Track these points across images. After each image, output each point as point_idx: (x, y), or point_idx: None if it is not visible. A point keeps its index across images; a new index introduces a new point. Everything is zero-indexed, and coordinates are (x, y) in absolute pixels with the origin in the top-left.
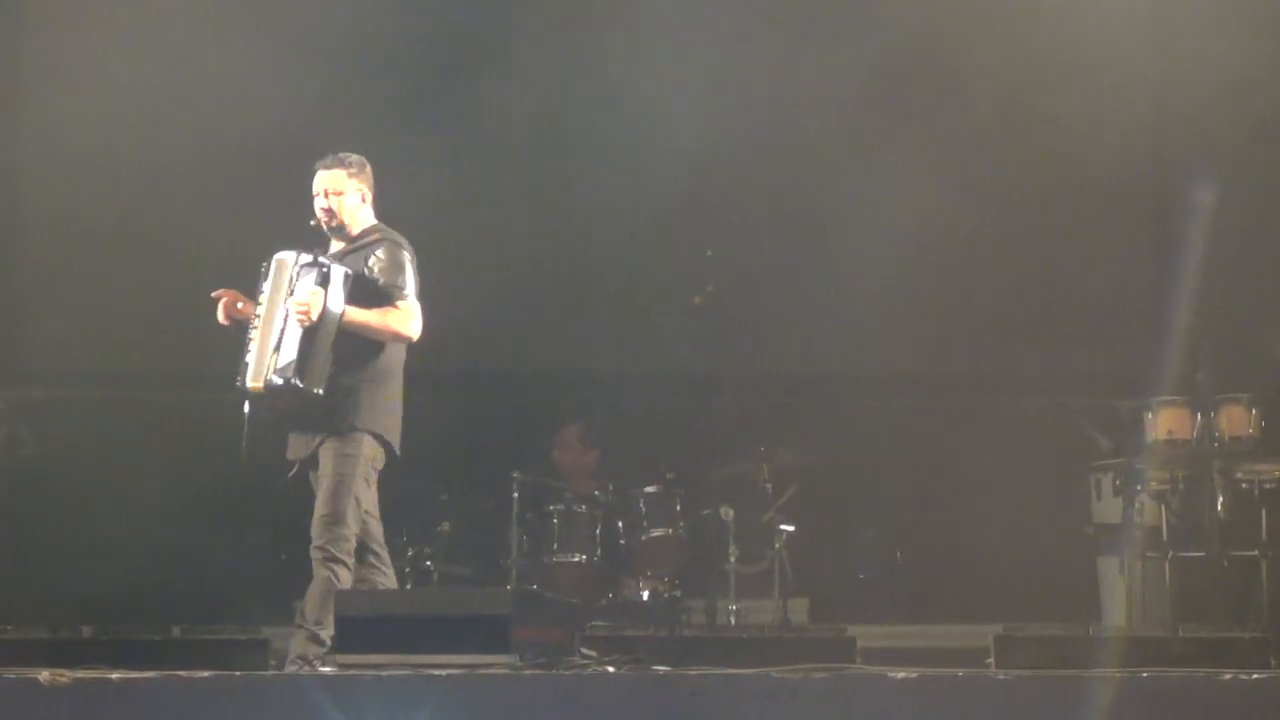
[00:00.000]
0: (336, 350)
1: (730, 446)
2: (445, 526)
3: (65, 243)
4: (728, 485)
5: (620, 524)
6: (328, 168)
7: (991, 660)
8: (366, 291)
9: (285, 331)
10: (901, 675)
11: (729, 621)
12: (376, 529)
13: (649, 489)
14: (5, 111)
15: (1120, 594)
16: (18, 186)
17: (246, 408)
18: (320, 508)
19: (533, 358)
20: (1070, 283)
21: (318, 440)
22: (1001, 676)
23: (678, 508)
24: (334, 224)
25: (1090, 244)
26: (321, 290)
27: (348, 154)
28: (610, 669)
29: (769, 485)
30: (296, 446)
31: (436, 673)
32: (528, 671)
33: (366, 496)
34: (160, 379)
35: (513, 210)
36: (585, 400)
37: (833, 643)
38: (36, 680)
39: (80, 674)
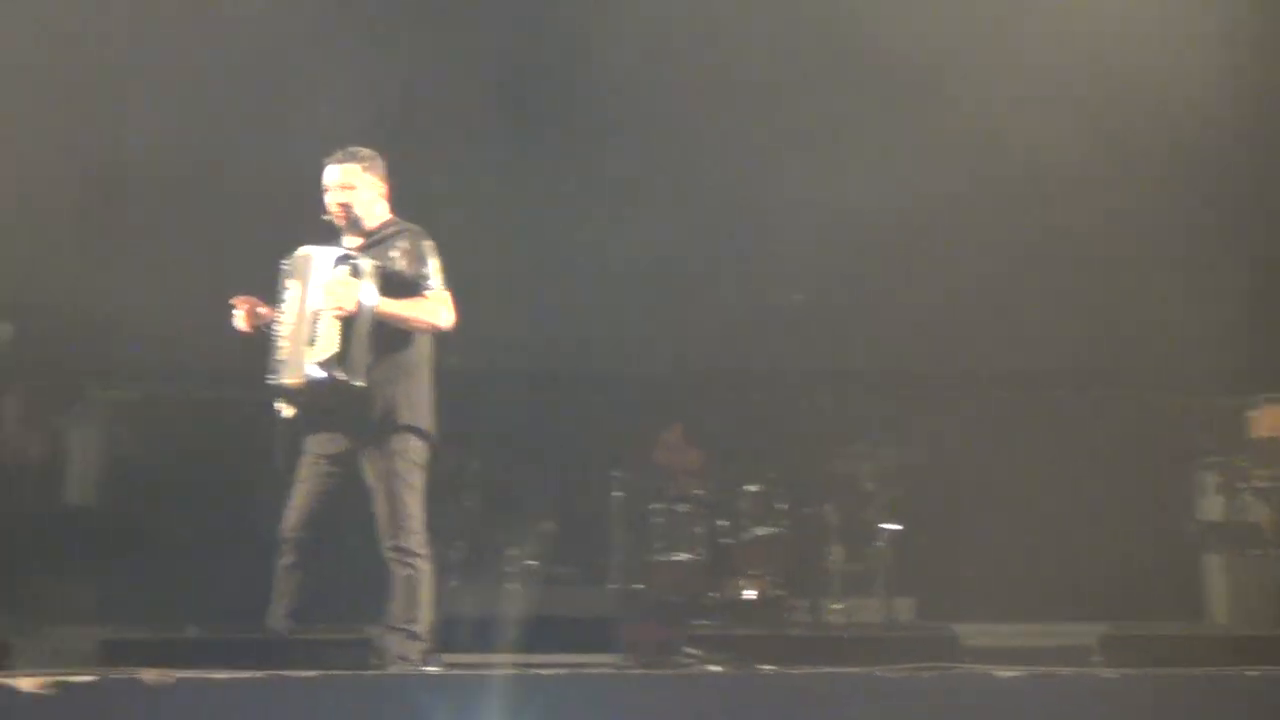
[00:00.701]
0: (372, 343)
1: (834, 444)
2: (550, 526)
3: (162, 242)
4: (831, 483)
5: (724, 523)
6: (339, 162)
7: (1098, 659)
8: (393, 284)
9: (320, 324)
10: (1007, 674)
11: (833, 620)
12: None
13: (753, 487)
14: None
15: (1224, 591)
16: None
17: (279, 408)
18: (382, 507)
19: (636, 357)
20: (1175, 279)
21: (357, 439)
22: (1108, 675)
23: (781, 506)
24: (349, 219)
25: (1196, 240)
26: (355, 281)
27: (359, 149)
28: (715, 668)
29: (873, 483)
30: (327, 442)
31: (541, 672)
32: (632, 671)
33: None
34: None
35: (616, 212)
36: (688, 399)
37: (937, 641)
38: (141, 680)
39: (185, 674)
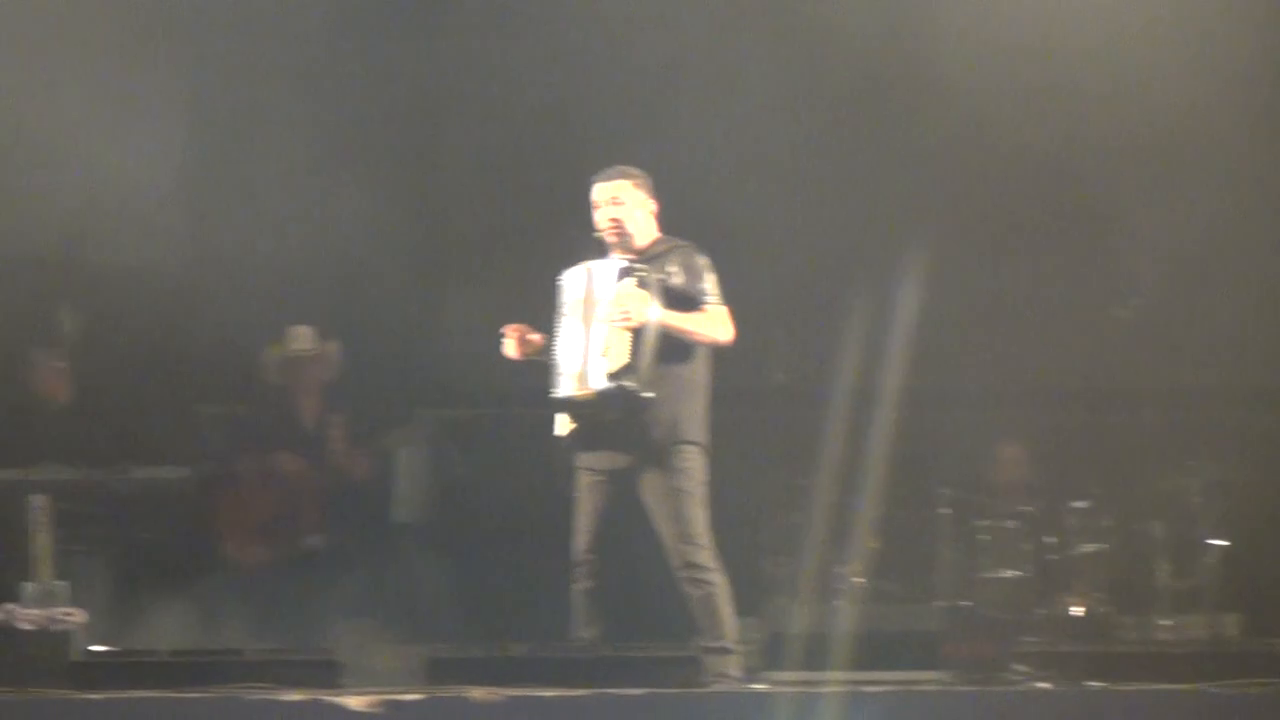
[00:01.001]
0: (657, 356)
1: (1161, 461)
2: (875, 543)
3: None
4: (1159, 499)
5: (1051, 539)
6: (609, 180)
7: None
8: (672, 299)
9: (609, 336)
10: None
11: (1161, 637)
12: None
13: (1080, 504)
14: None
15: None
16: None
17: (561, 425)
18: (669, 526)
19: (962, 374)
20: None
21: (638, 454)
22: None
23: (1109, 523)
24: (621, 235)
25: None
26: (643, 292)
27: (628, 167)
28: (1042, 685)
29: (1200, 499)
30: (607, 458)
31: (869, 689)
32: (960, 688)
33: None
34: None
35: (944, 225)
36: (1015, 416)
37: (1267, 657)
38: (469, 698)
39: (514, 691)
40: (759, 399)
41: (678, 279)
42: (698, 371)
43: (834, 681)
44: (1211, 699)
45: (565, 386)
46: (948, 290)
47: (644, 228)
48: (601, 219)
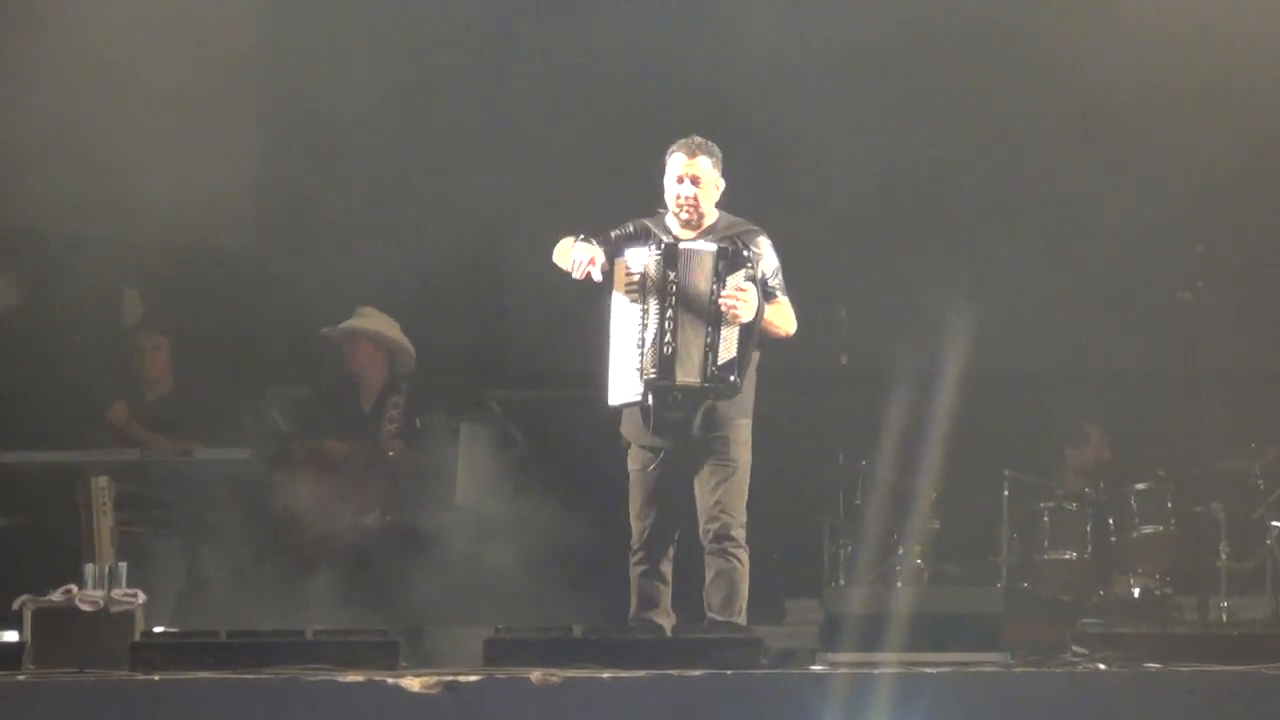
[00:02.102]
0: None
1: (1221, 442)
2: (936, 525)
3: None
4: (1219, 481)
5: (1111, 521)
6: (692, 154)
7: None
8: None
9: (720, 327)
10: None
11: (1220, 618)
12: None
13: (1140, 486)
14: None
15: None
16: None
17: (649, 398)
18: (724, 498)
19: (1024, 356)
20: None
21: (694, 436)
22: None
23: (1169, 504)
24: (693, 214)
25: None
26: (753, 287)
27: (707, 140)
28: (1102, 666)
29: (1261, 481)
30: (660, 440)
31: (928, 670)
32: (1019, 669)
33: None
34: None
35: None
36: (1076, 398)
37: None
38: (528, 679)
39: (572, 673)
40: None
41: (759, 266)
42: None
43: (893, 663)
44: (1269, 680)
45: (671, 372)
46: (1013, 274)
47: (712, 208)
48: (679, 194)
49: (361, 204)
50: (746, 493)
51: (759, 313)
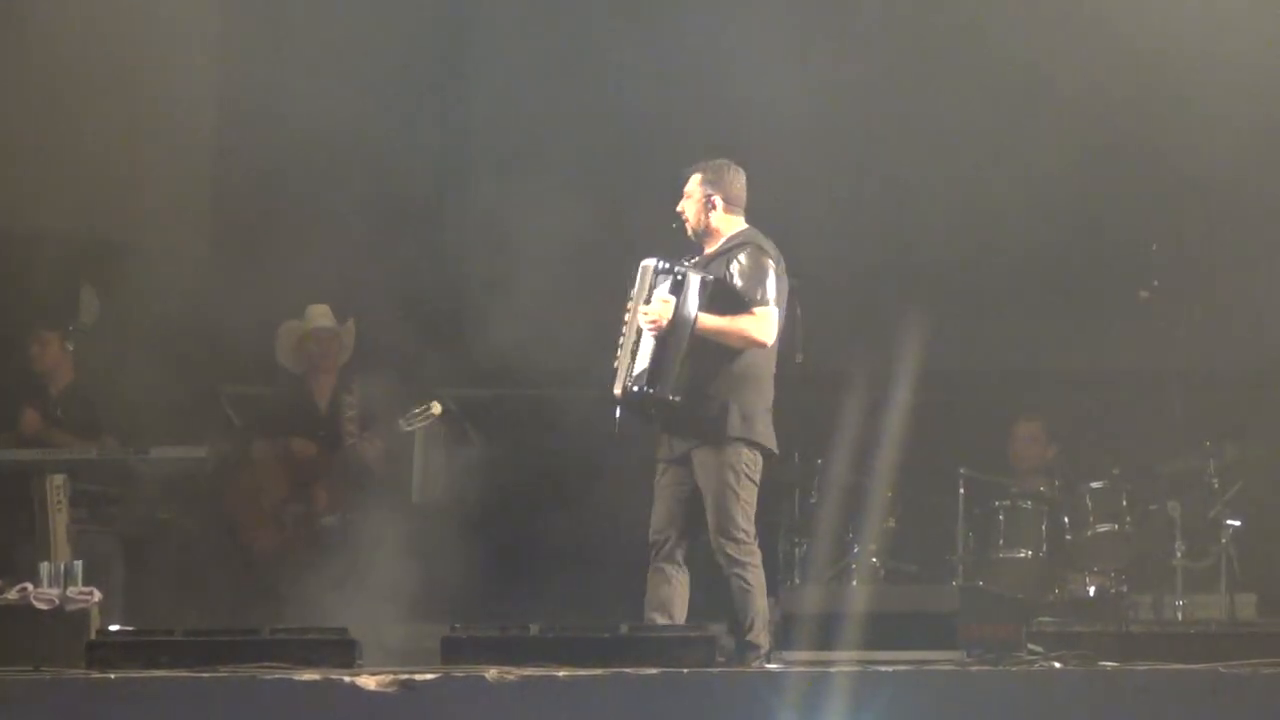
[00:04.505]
0: (699, 358)
1: (1177, 441)
2: (891, 523)
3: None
4: (1174, 480)
5: (1066, 519)
6: (690, 171)
7: None
8: (726, 298)
9: (641, 339)
10: None
11: (1175, 617)
12: None
13: (1095, 484)
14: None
15: None
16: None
17: (617, 413)
18: (711, 518)
19: (979, 355)
20: None
21: (689, 447)
22: None
23: (1124, 503)
24: (691, 228)
25: None
26: (674, 298)
27: (714, 160)
28: (1057, 665)
29: (1216, 480)
30: (666, 448)
31: (883, 669)
32: (974, 667)
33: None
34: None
35: (958, 208)
36: (1031, 397)
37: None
38: (484, 678)
39: (528, 671)
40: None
41: (735, 276)
42: (757, 367)
43: (848, 661)
44: (1223, 679)
45: (613, 381)
46: (970, 270)
47: (711, 221)
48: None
49: (318, 203)
50: (740, 510)
51: (680, 325)
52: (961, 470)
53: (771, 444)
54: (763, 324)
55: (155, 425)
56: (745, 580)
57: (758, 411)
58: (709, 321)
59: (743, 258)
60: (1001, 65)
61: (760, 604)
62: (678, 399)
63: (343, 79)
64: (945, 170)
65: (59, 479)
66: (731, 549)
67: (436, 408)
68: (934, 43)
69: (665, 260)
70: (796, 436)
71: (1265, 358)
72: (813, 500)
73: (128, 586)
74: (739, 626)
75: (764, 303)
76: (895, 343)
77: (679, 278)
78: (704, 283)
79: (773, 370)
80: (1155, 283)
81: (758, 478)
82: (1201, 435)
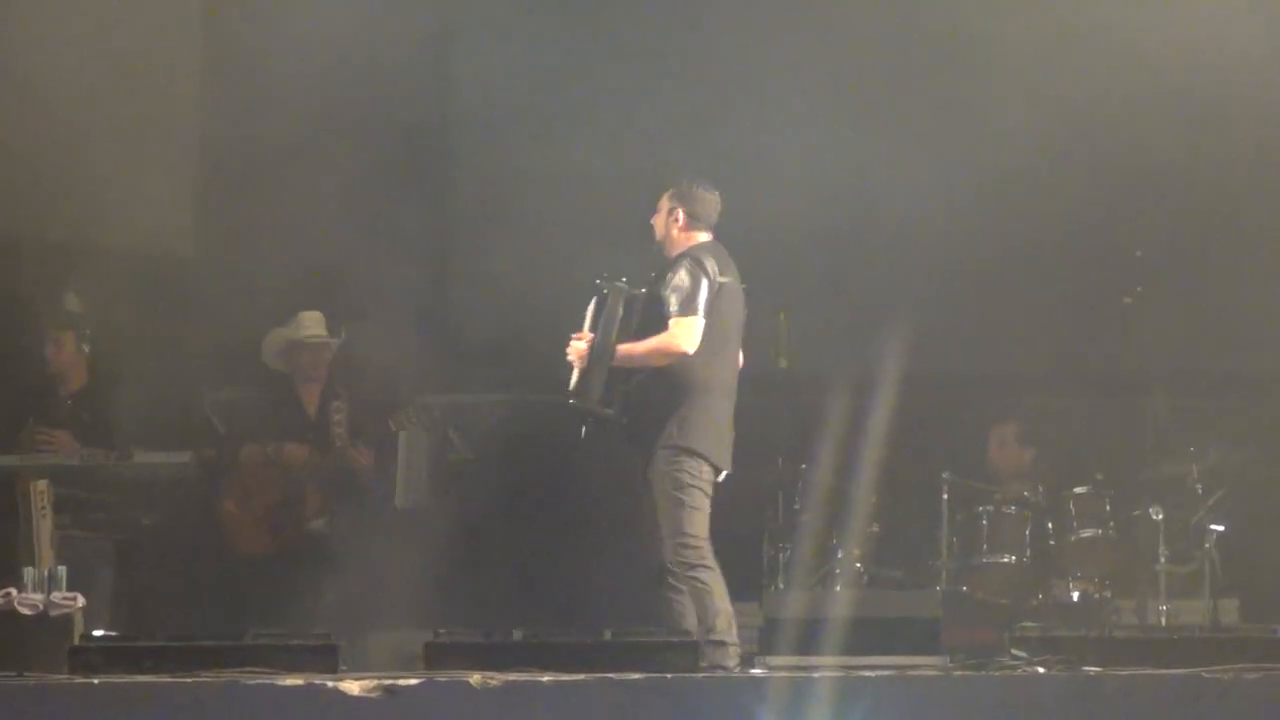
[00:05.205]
0: (639, 371)
1: (1160, 446)
2: (875, 528)
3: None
4: (1158, 485)
5: (1050, 524)
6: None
7: None
8: (651, 313)
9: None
10: None
11: (1159, 622)
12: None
13: (1079, 489)
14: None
15: None
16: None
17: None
18: (663, 527)
19: (962, 359)
20: None
21: (645, 459)
22: None
23: (1107, 508)
24: (657, 241)
25: None
26: (599, 315)
27: (686, 179)
28: (1040, 670)
29: (1199, 485)
30: (622, 460)
31: (867, 674)
32: (958, 673)
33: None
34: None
35: (941, 213)
36: (1015, 402)
37: (1264, 643)
38: (468, 683)
39: (512, 676)
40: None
41: (666, 290)
42: (699, 378)
43: (832, 667)
44: (1206, 684)
45: None
46: (949, 274)
47: (672, 237)
48: None
49: (303, 208)
50: (688, 517)
51: (601, 341)
52: (945, 475)
53: (715, 457)
54: (682, 334)
55: (139, 430)
56: (700, 580)
57: (698, 421)
58: (626, 348)
59: (679, 270)
60: (986, 70)
61: (720, 603)
62: (610, 411)
63: (329, 84)
64: (927, 174)
65: (42, 484)
66: (684, 555)
67: (427, 408)
68: (918, 44)
69: (601, 278)
70: (780, 441)
71: (1249, 362)
72: (796, 505)
73: (113, 592)
74: (703, 626)
75: (685, 313)
76: (879, 347)
77: (603, 294)
78: (628, 300)
79: (724, 380)
80: (1139, 288)
81: (706, 486)
82: (1185, 440)
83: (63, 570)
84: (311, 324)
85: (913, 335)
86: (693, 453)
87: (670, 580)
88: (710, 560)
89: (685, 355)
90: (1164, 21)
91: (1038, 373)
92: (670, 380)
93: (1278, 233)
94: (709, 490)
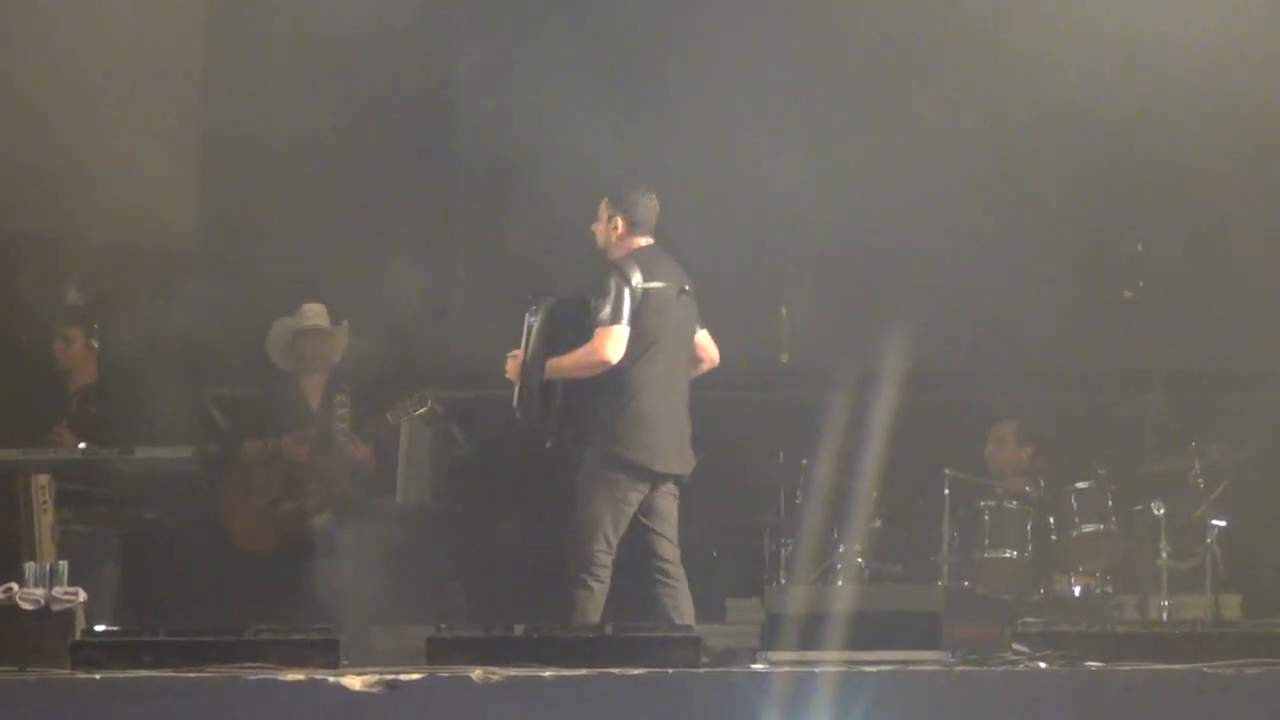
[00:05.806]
0: (569, 383)
1: (1162, 441)
2: (877, 523)
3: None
4: (1159, 480)
5: (1052, 520)
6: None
7: None
8: (580, 325)
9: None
10: None
11: (1160, 617)
12: (667, 548)
13: (1080, 485)
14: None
15: None
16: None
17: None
18: (574, 527)
19: (964, 355)
20: None
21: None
22: None
23: (1109, 503)
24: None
25: None
26: (523, 333)
27: (623, 186)
28: (1042, 665)
29: (1201, 480)
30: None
31: (868, 669)
32: (959, 668)
33: (620, 518)
34: None
35: (948, 209)
36: (1017, 397)
37: (1266, 638)
38: (469, 678)
39: (513, 671)
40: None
41: (594, 302)
42: (625, 382)
43: (834, 661)
44: (1208, 679)
45: None
46: (951, 271)
47: (612, 243)
48: None
49: (305, 202)
50: (585, 536)
51: (531, 357)
52: (947, 471)
53: (648, 461)
54: (604, 344)
55: (142, 425)
56: (574, 597)
57: (626, 427)
58: (555, 361)
59: (605, 280)
60: (987, 66)
61: (686, 602)
62: (545, 424)
63: (331, 81)
64: (928, 170)
65: (44, 479)
66: (576, 563)
67: (427, 402)
68: (917, 42)
69: (531, 294)
70: (782, 436)
71: (1251, 357)
72: (798, 500)
73: (115, 586)
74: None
75: (606, 322)
76: (881, 343)
77: (530, 313)
78: (551, 312)
79: (659, 381)
80: (1140, 283)
81: (624, 492)
82: (1187, 435)
83: (64, 565)
84: (314, 315)
85: (914, 331)
86: (618, 459)
87: (661, 578)
88: (605, 571)
89: (609, 364)
90: (1164, 20)
91: (1040, 368)
92: (597, 388)
93: (1278, 228)
94: (632, 499)
